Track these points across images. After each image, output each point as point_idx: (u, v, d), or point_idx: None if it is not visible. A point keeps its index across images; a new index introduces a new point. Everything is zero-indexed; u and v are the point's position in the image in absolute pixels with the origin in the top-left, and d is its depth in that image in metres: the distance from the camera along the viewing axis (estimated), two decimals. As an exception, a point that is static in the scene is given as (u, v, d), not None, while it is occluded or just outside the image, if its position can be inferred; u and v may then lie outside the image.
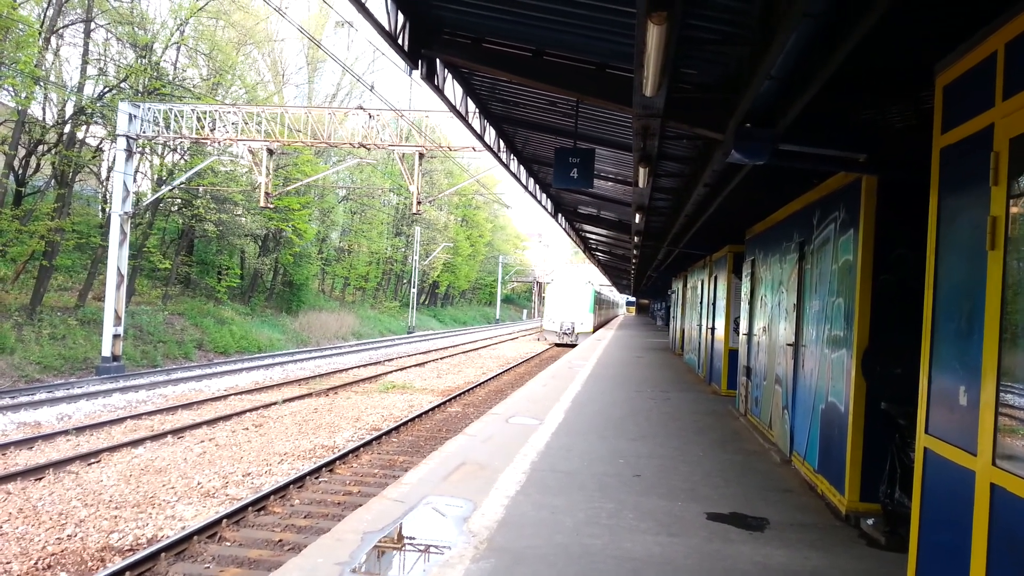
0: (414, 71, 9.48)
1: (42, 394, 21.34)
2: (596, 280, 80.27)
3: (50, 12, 29.77)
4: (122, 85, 32.03)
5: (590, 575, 5.84)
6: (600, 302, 62.41)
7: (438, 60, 10.01)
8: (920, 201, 5.38)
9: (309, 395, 23.42)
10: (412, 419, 19.11)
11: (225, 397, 22.47)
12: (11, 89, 27.49)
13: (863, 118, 7.36)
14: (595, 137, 12.22)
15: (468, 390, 25.64)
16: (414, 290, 65.54)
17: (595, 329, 54.48)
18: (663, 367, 25.36)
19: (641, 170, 10.49)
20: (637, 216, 16.24)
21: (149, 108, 28.85)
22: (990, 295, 4.27)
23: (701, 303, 23.14)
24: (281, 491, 11.94)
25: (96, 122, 32.45)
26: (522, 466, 9.28)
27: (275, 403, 21.40)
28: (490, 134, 14.78)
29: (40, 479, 12.65)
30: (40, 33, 28.48)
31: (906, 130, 7.33)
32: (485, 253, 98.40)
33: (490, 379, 29.39)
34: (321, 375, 29.05)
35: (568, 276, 58.16)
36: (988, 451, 4.18)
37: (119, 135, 28.39)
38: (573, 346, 46.56)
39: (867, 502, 7.42)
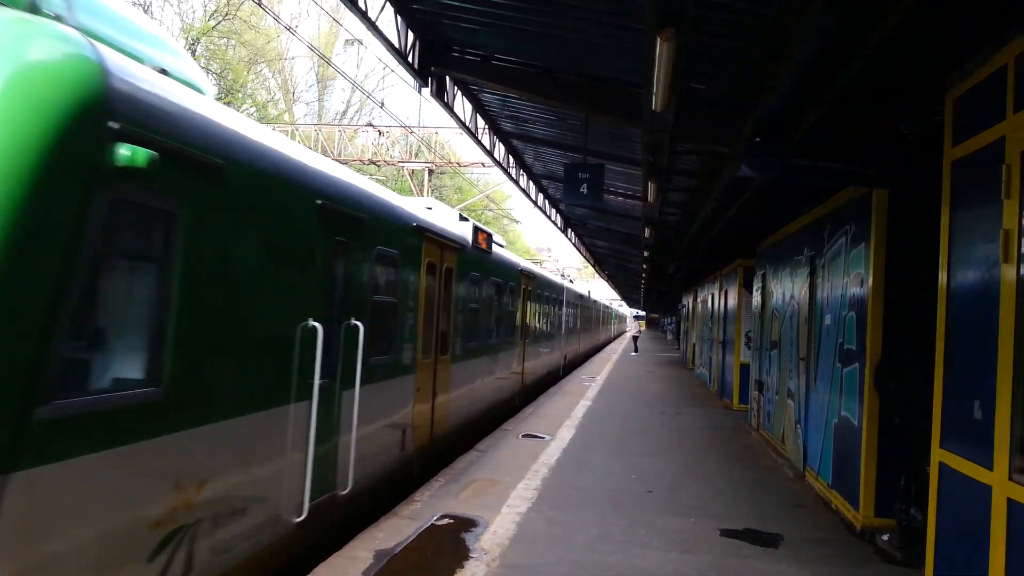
0: (424, 88, 9.55)
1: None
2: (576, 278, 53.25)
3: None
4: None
5: (603, 592, 5.80)
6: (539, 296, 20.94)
7: (448, 77, 10.07)
8: (932, 214, 5.37)
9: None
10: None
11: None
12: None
13: (873, 132, 7.36)
14: (605, 152, 12.24)
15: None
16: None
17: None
18: (674, 382, 25.26)
19: (651, 185, 10.50)
20: (647, 230, 16.25)
21: (161, 127, 29.00)
22: (1004, 307, 4.25)
23: (712, 317, 23.08)
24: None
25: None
26: (533, 482, 9.25)
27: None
28: (500, 150, 14.83)
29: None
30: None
31: (916, 144, 7.32)
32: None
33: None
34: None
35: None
36: (1004, 465, 4.15)
37: (131, 154, 28.45)
38: None
39: (882, 517, 7.36)
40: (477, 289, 12.94)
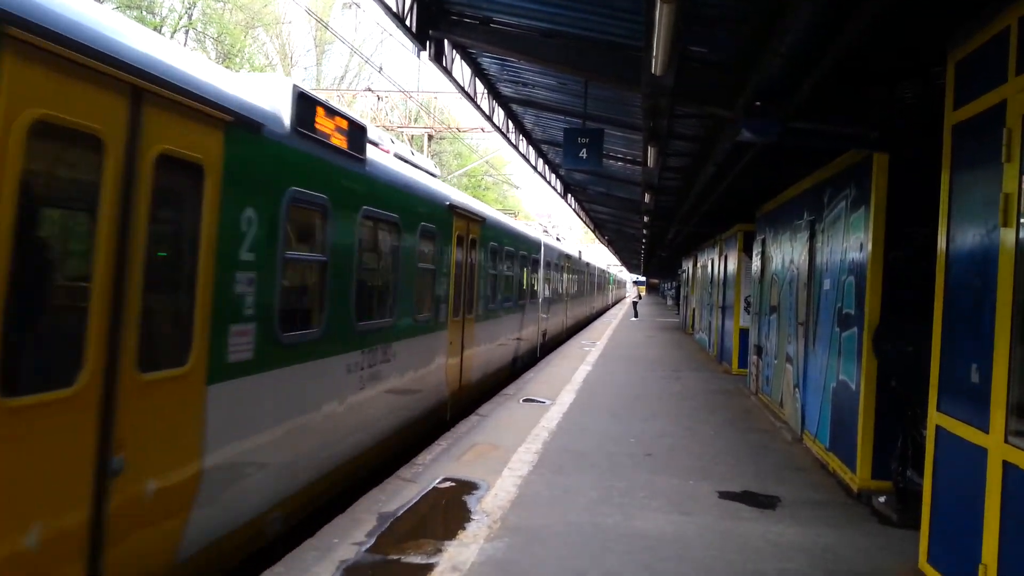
0: (422, 52, 9.46)
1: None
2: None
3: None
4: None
5: (603, 553, 5.89)
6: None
7: (446, 41, 9.97)
8: (932, 178, 5.36)
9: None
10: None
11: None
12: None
13: (874, 95, 7.31)
14: (604, 117, 12.17)
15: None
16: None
17: None
18: (674, 346, 25.36)
19: (650, 149, 10.45)
20: (647, 195, 16.19)
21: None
22: (1002, 272, 4.26)
23: (711, 282, 23.10)
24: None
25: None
26: (534, 446, 9.33)
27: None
28: (499, 115, 14.73)
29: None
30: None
31: (918, 107, 7.27)
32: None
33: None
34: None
35: None
36: (1000, 428, 4.19)
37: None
38: None
39: (879, 480, 7.44)
40: (324, 225, 6.86)
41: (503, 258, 15.63)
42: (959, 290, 4.92)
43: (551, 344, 23.77)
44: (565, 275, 27.78)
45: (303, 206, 6.53)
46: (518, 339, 17.70)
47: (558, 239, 31.18)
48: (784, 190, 11.98)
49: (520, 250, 17.66)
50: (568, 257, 28.92)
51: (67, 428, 3.89)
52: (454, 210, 11.36)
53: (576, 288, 32.72)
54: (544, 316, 22.03)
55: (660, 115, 8.83)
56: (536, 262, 20.39)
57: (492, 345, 14.71)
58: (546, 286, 22.56)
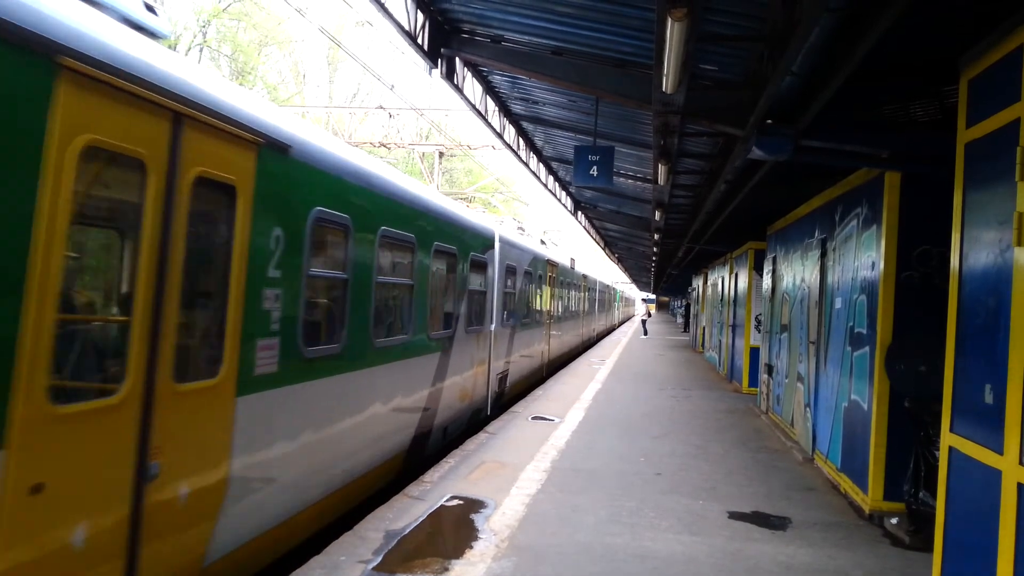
0: (433, 70, 9.50)
1: None
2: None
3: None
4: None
5: (612, 574, 5.83)
6: None
7: (457, 59, 10.02)
8: (944, 197, 5.32)
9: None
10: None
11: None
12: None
13: (886, 113, 7.30)
14: (615, 135, 12.19)
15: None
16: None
17: None
18: (684, 365, 25.25)
19: (661, 167, 10.45)
20: (657, 213, 16.18)
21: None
22: (1016, 291, 4.21)
23: (722, 300, 23.03)
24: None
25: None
26: (543, 464, 9.28)
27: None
28: (510, 132, 14.77)
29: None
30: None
31: (930, 125, 7.25)
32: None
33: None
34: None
35: None
36: (1015, 450, 4.13)
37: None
38: None
39: (891, 501, 7.36)
40: None
41: (383, 252, 8.07)
42: (972, 310, 4.87)
43: (516, 392, 16.22)
44: (547, 289, 20.56)
45: None
46: (428, 398, 9.86)
47: (543, 242, 22.93)
48: (795, 208, 11.94)
49: (437, 241, 10.05)
50: (552, 265, 21.23)
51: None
52: (96, 80, 3.84)
53: (567, 307, 25.17)
54: (500, 352, 14.52)
55: (671, 133, 8.84)
56: (484, 267, 13.13)
57: (318, 436, 6.61)
58: (507, 305, 15.17)
